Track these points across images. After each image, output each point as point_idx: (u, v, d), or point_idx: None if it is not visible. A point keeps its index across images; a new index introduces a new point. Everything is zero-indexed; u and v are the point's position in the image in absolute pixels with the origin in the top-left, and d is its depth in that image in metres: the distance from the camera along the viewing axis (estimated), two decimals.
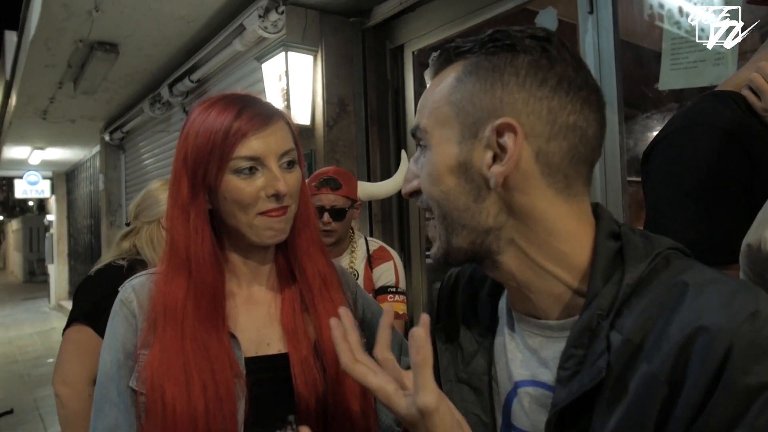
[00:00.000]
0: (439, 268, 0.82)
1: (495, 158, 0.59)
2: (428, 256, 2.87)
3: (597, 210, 0.64)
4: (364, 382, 0.61)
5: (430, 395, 0.55)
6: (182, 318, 0.84)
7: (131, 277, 0.92)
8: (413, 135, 0.67)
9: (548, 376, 0.62)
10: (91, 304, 1.57)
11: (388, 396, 0.59)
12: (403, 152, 2.30)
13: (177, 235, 0.87)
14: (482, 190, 0.61)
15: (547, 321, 0.63)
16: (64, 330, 1.61)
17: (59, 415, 1.55)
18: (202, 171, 0.85)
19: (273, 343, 0.91)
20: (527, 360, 0.65)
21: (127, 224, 1.79)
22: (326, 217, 1.93)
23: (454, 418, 0.59)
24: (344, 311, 0.68)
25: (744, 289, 0.51)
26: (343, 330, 0.65)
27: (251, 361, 0.87)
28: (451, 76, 0.63)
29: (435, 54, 0.67)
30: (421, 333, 0.57)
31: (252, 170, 0.85)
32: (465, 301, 0.76)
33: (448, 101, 0.62)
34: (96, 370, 1.42)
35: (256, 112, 0.86)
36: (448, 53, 0.65)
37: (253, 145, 0.85)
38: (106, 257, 1.72)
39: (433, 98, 0.64)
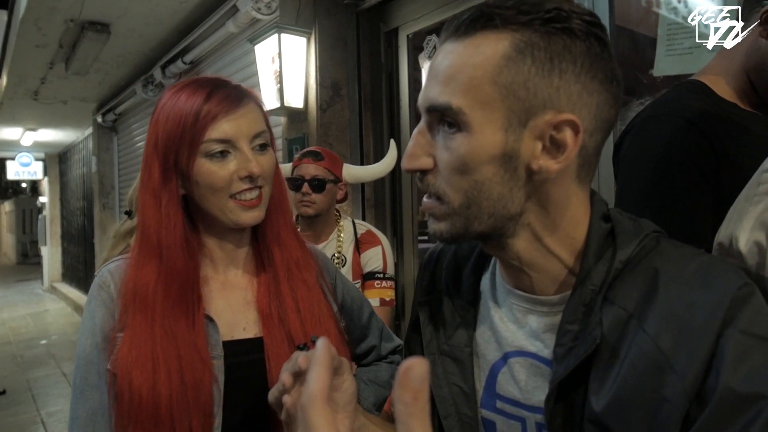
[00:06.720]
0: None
1: (542, 149, 0.57)
2: (421, 241, 2.86)
3: (591, 194, 0.65)
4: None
5: None
6: (152, 304, 0.83)
7: (107, 262, 0.92)
8: (433, 110, 0.59)
9: (538, 347, 0.64)
10: None
11: None
12: (392, 141, 2.28)
13: (148, 221, 0.86)
14: (519, 180, 0.58)
15: (538, 296, 0.65)
16: None
17: None
18: (173, 156, 0.85)
19: (249, 327, 0.91)
20: (515, 332, 0.67)
21: (127, 212, 1.76)
22: (305, 187, 1.90)
23: None
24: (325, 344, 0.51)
25: (731, 268, 0.55)
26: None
27: (227, 345, 0.88)
28: (494, 48, 0.56)
29: (470, 13, 0.58)
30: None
31: (224, 153, 0.85)
32: (448, 276, 0.77)
33: (494, 81, 0.55)
34: None
35: (226, 95, 0.85)
36: (490, 17, 0.56)
37: (224, 128, 0.84)
38: (116, 250, 1.68)
39: (470, 73, 0.56)
